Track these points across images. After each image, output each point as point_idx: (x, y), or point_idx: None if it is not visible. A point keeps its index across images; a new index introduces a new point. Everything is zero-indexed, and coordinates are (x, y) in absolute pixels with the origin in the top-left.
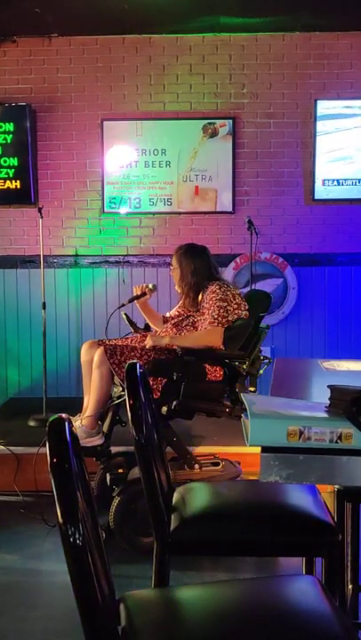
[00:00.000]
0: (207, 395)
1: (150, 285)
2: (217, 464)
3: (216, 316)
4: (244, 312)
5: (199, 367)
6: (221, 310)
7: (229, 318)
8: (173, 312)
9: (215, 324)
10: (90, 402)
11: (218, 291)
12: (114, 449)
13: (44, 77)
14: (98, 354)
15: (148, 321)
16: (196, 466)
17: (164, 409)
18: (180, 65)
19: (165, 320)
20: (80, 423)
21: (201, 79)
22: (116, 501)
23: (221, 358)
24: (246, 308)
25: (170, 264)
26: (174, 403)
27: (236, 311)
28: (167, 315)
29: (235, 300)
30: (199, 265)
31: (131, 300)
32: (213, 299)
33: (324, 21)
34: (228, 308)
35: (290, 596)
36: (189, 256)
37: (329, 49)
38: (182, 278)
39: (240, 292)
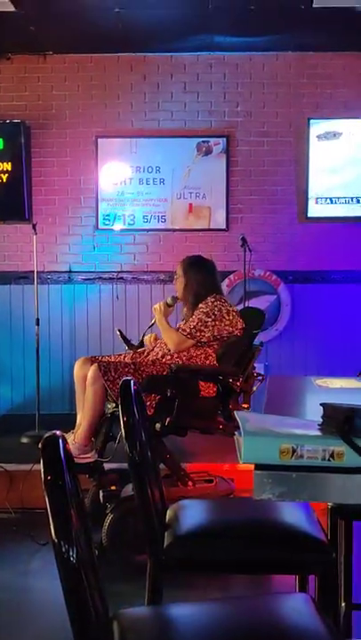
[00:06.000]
0: (201, 411)
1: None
2: (210, 481)
3: (192, 328)
4: (237, 330)
5: (193, 384)
6: (200, 324)
7: (207, 334)
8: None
9: (186, 333)
10: (83, 419)
11: (209, 304)
12: (107, 466)
13: (38, 95)
14: (91, 371)
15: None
16: (190, 483)
17: (158, 426)
18: (175, 83)
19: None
20: (73, 440)
21: (195, 97)
22: (109, 518)
23: (215, 375)
24: (242, 326)
25: (172, 275)
26: (168, 419)
27: (227, 328)
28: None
29: (228, 316)
30: (204, 278)
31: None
32: (200, 310)
33: (317, 41)
34: (210, 323)
35: (283, 614)
36: (196, 268)
37: (322, 69)
38: (186, 288)
39: (237, 309)
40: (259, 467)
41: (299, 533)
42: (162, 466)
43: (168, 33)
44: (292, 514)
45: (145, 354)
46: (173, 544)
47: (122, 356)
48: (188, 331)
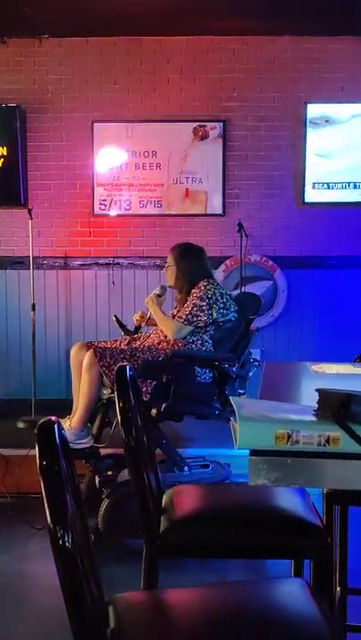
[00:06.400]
0: (197, 397)
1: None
2: (206, 466)
3: (187, 314)
4: (232, 313)
5: (189, 369)
6: (195, 309)
7: (204, 318)
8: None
9: (182, 320)
10: (79, 404)
11: (202, 288)
12: (103, 451)
13: (34, 78)
14: (87, 356)
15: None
16: (186, 468)
17: (154, 411)
18: (171, 67)
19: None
20: (69, 425)
21: (192, 82)
22: (105, 503)
23: (211, 361)
24: (235, 309)
25: (165, 262)
26: (164, 405)
27: (222, 311)
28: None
29: (222, 299)
30: (196, 265)
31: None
32: (194, 295)
33: (314, 25)
34: (205, 307)
35: (279, 599)
36: (187, 256)
37: (319, 53)
38: (179, 277)
39: (230, 293)
40: (254, 452)
41: (294, 518)
42: (158, 451)
43: (164, 16)
44: (287, 499)
45: (141, 339)
46: (169, 529)
47: (118, 342)
48: (184, 317)
